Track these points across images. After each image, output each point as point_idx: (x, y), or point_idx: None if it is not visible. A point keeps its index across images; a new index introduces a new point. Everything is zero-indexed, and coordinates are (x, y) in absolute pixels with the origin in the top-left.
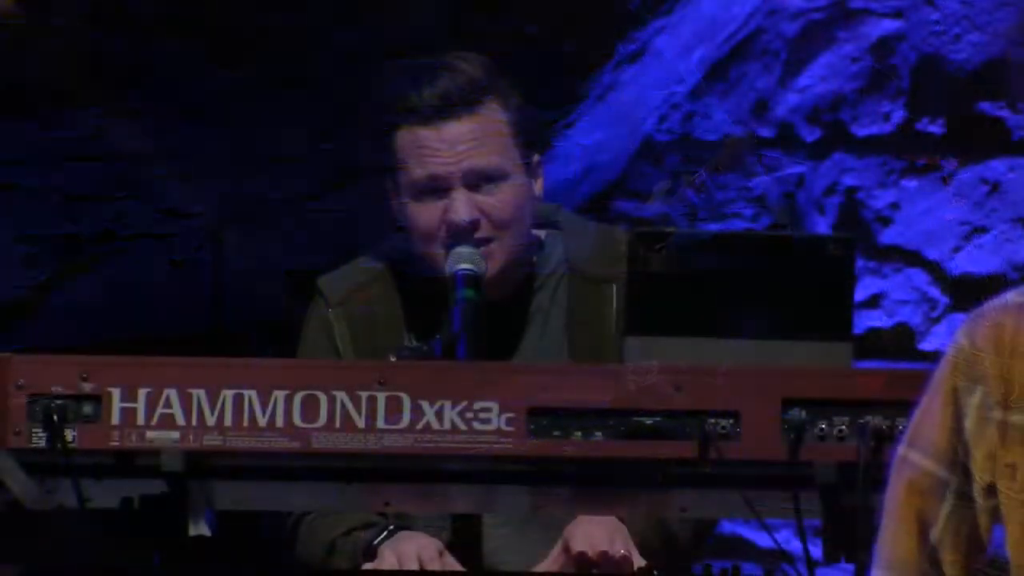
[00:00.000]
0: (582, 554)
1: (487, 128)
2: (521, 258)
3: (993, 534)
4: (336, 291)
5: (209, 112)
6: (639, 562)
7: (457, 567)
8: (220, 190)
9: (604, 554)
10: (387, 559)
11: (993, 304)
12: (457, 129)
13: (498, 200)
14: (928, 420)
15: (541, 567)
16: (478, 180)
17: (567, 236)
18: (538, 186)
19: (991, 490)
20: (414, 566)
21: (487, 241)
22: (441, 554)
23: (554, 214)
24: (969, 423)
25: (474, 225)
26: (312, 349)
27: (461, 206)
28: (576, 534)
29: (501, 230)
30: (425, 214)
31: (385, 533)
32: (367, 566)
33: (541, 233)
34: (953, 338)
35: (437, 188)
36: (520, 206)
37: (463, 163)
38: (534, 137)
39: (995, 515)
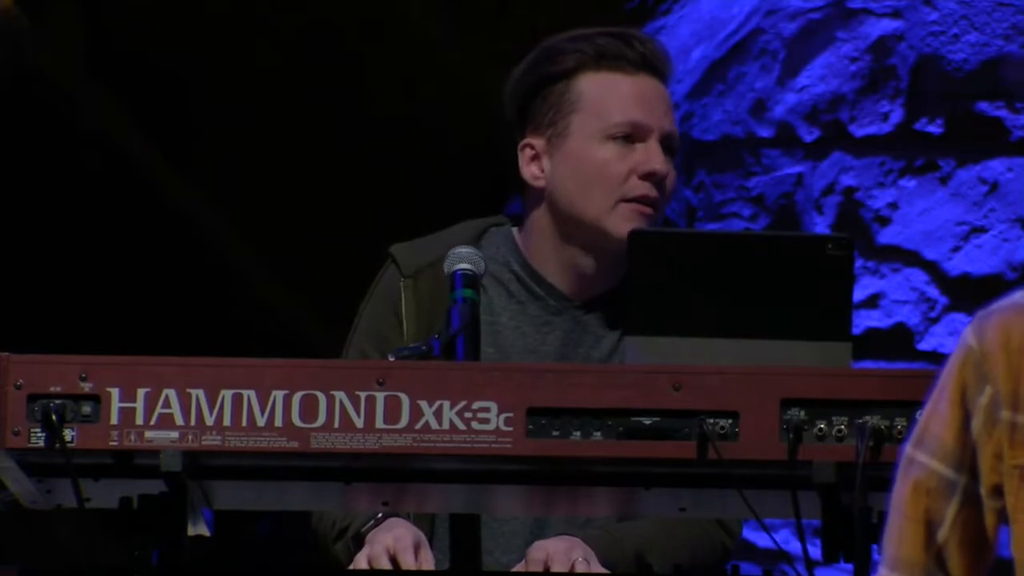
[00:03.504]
0: (536, 559)
1: (670, 102)
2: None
3: (999, 535)
4: (410, 262)
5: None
6: (600, 570)
7: (430, 559)
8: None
9: (561, 560)
10: (364, 551)
11: (1001, 304)
12: (659, 87)
13: (672, 173)
14: (936, 420)
15: None
16: (667, 144)
17: None
18: None
19: (998, 491)
20: (385, 561)
21: (654, 204)
22: (418, 546)
23: None
24: (976, 423)
25: (663, 178)
26: (375, 318)
27: (661, 157)
28: (535, 548)
29: (665, 201)
30: (615, 161)
31: (372, 521)
32: (357, 556)
33: None
34: (961, 338)
35: (632, 136)
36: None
37: (665, 121)
38: None
39: (1002, 516)
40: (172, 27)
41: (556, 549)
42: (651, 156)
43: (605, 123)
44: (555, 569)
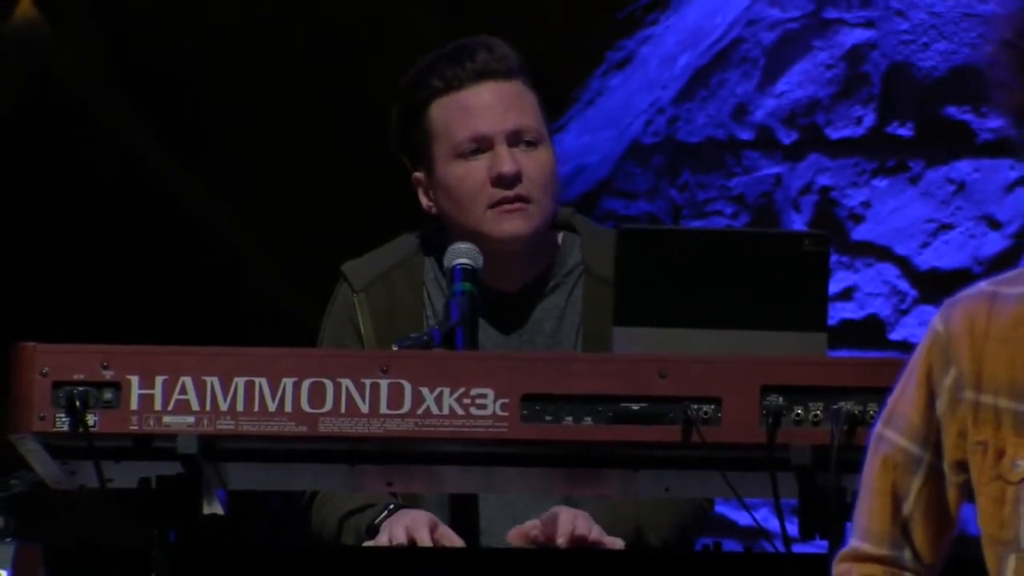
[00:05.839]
0: (559, 534)
1: (523, 94)
2: (544, 234)
3: (962, 512)
4: (361, 277)
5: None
6: (616, 543)
7: (453, 538)
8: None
9: (583, 537)
10: (382, 537)
11: (967, 292)
12: (499, 88)
13: (537, 162)
14: (903, 400)
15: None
16: (518, 139)
17: (584, 239)
18: None
19: (961, 466)
20: (402, 538)
21: (525, 200)
22: (435, 528)
23: (569, 217)
24: (941, 403)
25: (517, 178)
26: (335, 331)
27: (507, 159)
28: (553, 518)
29: (539, 191)
30: (470, 176)
31: (386, 512)
32: (369, 543)
33: (559, 234)
34: (930, 324)
35: (480, 148)
36: (552, 173)
37: (506, 121)
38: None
39: (963, 491)
40: (173, 29)
41: (573, 523)
42: (497, 160)
43: (451, 143)
44: (561, 536)
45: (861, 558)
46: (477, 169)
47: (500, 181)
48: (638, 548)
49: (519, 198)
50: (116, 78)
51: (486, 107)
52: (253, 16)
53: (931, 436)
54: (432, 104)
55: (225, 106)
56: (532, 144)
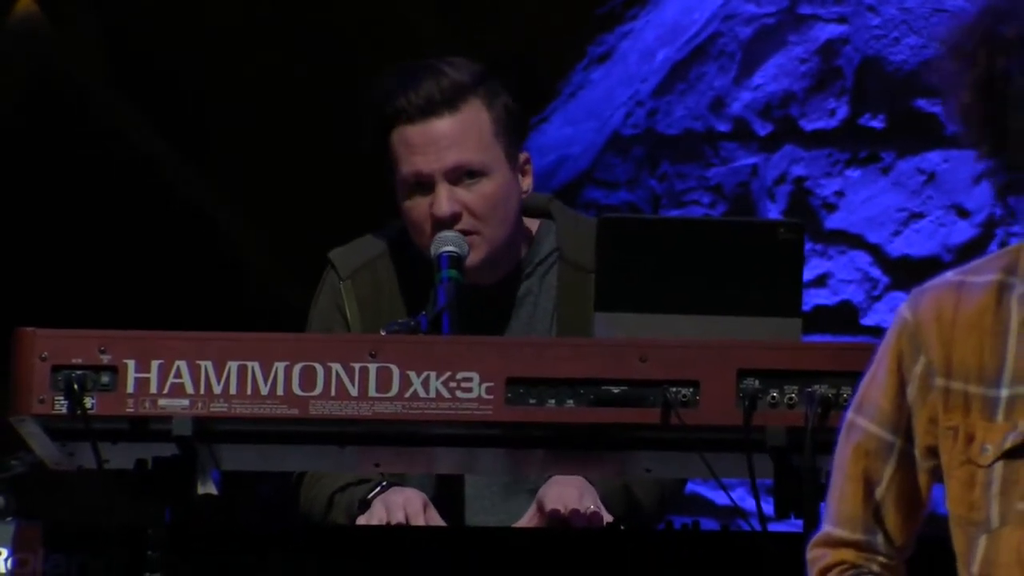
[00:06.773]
0: (555, 511)
1: (469, 125)
2: (506, 248)
3: (931, 494)
4: (347, 264)
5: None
6: (608, 519)
7: (439, 521)
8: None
9: (576, 512)
10: (377, 511)
11: (935, 282)
12: (439, 127)
13: (479, 195)
14: (874, 387)
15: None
16: (460, 175)
17: (559, 226)
18: (525, 183)
19: (931, 452)
20: (400, 517)
21: (469, 233)
22: (425, 507)
23: (547, 205)
24: (912, 390)
25: (455, 218)
26: (323, 316)
27: (443, 201)
28: (549, 494)
29: (483, 222)
30: (415, 209)
31: (378, 488)
32: (361, 518)
33: (534, 223)
34: (897, 312)
35: (423, 184)
36: (503, 199)
37: (445, 159)
38: (521, 136)
39: (934, 476)
40: (173, 29)
41: (569, 497)
42: (435, 202)
43: (400, 178)
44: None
45: (834, 543)
46: (421, 205)
47: (437, 223)
48: (620, 526)
49: (461, 233)
50: (116, 78)
51: (427, 145)
52: (253, 16)
53: (902, 422)
54: (392, 132)
55: (225, 106)
56: (476, 175)
